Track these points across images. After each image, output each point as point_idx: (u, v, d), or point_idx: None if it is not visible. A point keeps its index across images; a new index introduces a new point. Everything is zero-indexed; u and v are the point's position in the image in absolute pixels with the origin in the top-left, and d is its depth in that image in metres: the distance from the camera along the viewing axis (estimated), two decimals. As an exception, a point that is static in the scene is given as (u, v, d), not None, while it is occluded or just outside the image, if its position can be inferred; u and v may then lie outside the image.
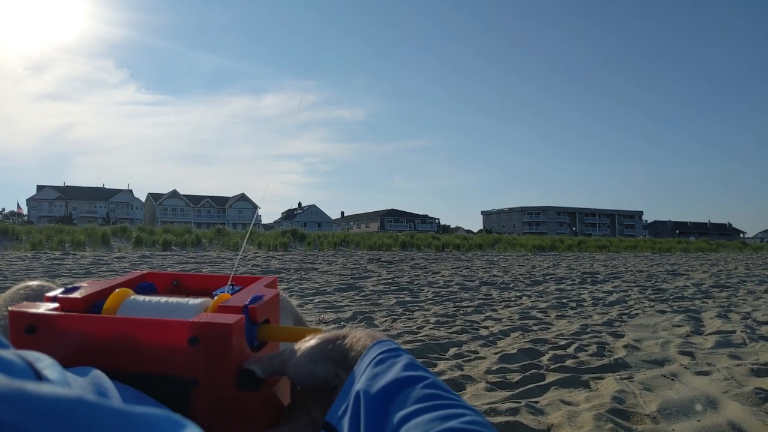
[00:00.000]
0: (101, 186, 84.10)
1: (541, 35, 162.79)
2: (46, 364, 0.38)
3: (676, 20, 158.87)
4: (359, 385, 0.47)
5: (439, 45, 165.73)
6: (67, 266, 8.18)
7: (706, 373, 2.77)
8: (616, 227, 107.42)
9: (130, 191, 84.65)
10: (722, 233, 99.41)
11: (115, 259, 9.91)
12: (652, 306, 5.30)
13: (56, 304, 0.60)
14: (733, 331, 3.91)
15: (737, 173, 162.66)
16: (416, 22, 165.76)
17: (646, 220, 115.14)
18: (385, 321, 4.19)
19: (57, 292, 0.63)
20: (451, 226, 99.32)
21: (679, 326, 4.18)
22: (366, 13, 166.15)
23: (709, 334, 3.88)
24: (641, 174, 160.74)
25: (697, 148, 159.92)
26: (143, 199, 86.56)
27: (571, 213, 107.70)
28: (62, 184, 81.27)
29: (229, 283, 0.75)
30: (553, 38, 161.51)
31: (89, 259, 9.79)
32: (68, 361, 0.48)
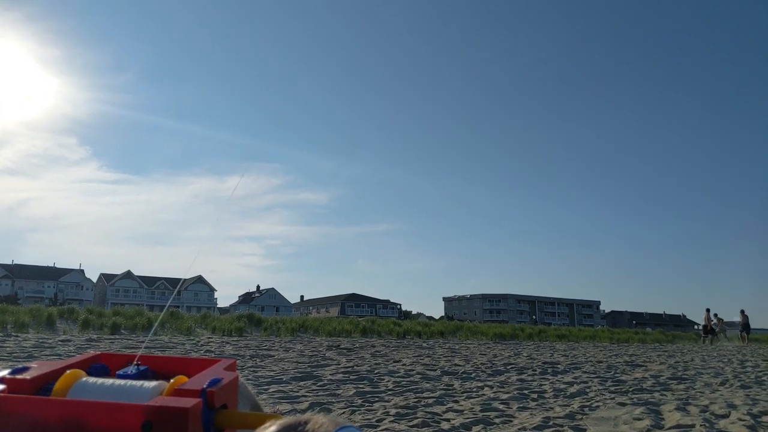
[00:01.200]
0: (51, 265, 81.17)
1: (500, 120, 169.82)
2: None
3: (632, 103, 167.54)
4: None
5: (404, 130, 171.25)
6: (8, 349, 7.70)
7: (668, 470, 2.74)
8: (575, 316, 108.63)
9: (82, 271, 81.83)
10: (677, 324, 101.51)
11: (60, 342, 9.38)
12: (613, 398, 5.27)
13: (3, 386, 0.57)
14: (693, 425, 3.91)
15: (692, 265, 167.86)
16: (382, 107, 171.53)
17: (604, 310, 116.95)
18: (344, 413, 4.04)
19: (4, 372, 0.59)
20: (413, 312, 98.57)
21: (639, 419, 4.16)
22: (330, 98, 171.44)
23: (669, 428, 3.86)
24: (598, 263, 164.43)
25: (653, 239, 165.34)
26: (95, 280, 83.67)
27: (531, 301, 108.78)
28: (10, 262, 78.22)
29: (134, 362, 0.69)
30: (511, 123, 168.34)
31: (32, 341, 9.24)
32: None
